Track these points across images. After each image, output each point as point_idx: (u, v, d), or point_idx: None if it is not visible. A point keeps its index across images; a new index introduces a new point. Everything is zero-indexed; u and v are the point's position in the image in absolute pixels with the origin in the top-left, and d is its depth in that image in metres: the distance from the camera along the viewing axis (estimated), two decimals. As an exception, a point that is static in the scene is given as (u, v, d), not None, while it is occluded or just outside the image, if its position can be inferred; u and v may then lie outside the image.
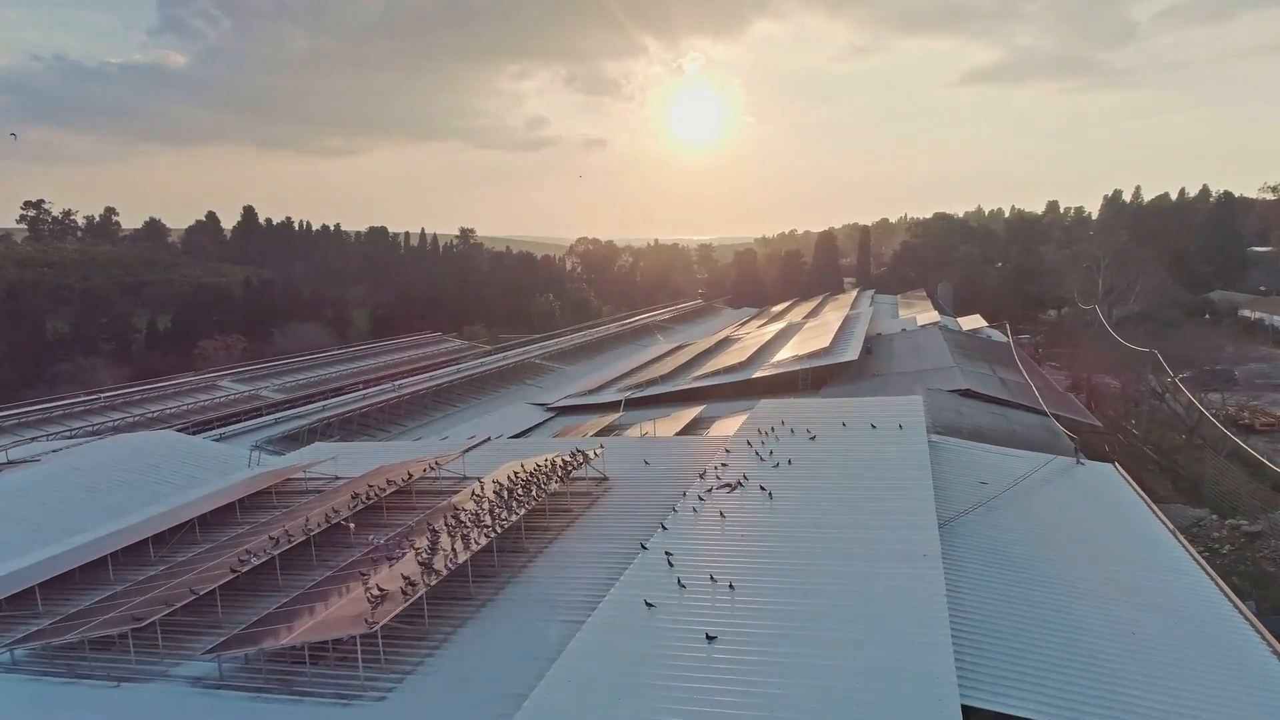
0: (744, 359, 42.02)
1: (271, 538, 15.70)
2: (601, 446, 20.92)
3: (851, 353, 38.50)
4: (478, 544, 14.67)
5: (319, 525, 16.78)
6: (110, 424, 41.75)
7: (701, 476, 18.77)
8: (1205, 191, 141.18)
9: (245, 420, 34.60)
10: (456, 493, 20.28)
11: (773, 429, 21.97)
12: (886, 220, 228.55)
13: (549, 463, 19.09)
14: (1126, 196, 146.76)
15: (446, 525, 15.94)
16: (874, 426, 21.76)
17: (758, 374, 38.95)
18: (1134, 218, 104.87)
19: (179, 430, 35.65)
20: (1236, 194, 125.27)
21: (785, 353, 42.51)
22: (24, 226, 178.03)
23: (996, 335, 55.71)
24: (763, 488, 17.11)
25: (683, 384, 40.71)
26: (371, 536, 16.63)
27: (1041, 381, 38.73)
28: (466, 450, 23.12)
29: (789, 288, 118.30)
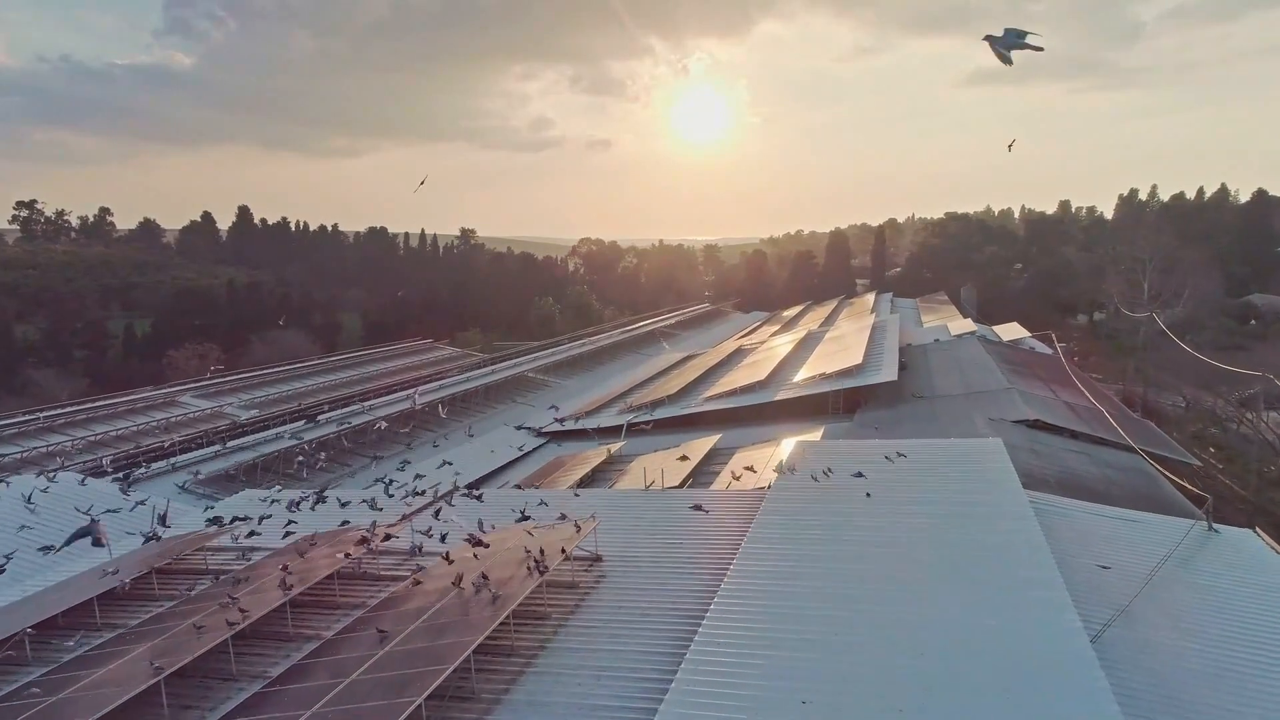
0: (763, 377, 36.85)
1: (113, 685, 10.64)
2: (594, 516, 15.78)
3: (888, 371, 33.32)
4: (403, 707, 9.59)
5: (192, 649, 11.73)
6: (45, 448, 36.85)
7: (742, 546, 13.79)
8: (1224, 190, 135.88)
9: (182, 453, 29.53)
10: (399, 578, 15.23)
11: (816, 485, 16.90)
12: (894, 220, 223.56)
13: (521, 555, 13.96)
14: (1143, 195, 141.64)
15: (362, 656, 10.91)
16: (948, 479, 16.72)
17: (781, 395, 33.79)
18: (1158, 217, 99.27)
19: (109, 462, 30.66)
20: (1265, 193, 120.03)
21: (809, 369, 37.34)
22: (16, 228, 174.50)
23: (1039, 346, 50.46)
24: (813, 581, 12.00)
25: (693, 405, 35.60)
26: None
27: (1111, 405, 33.53)
28: (418, 512, 18.04)
29: (800, 290, 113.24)
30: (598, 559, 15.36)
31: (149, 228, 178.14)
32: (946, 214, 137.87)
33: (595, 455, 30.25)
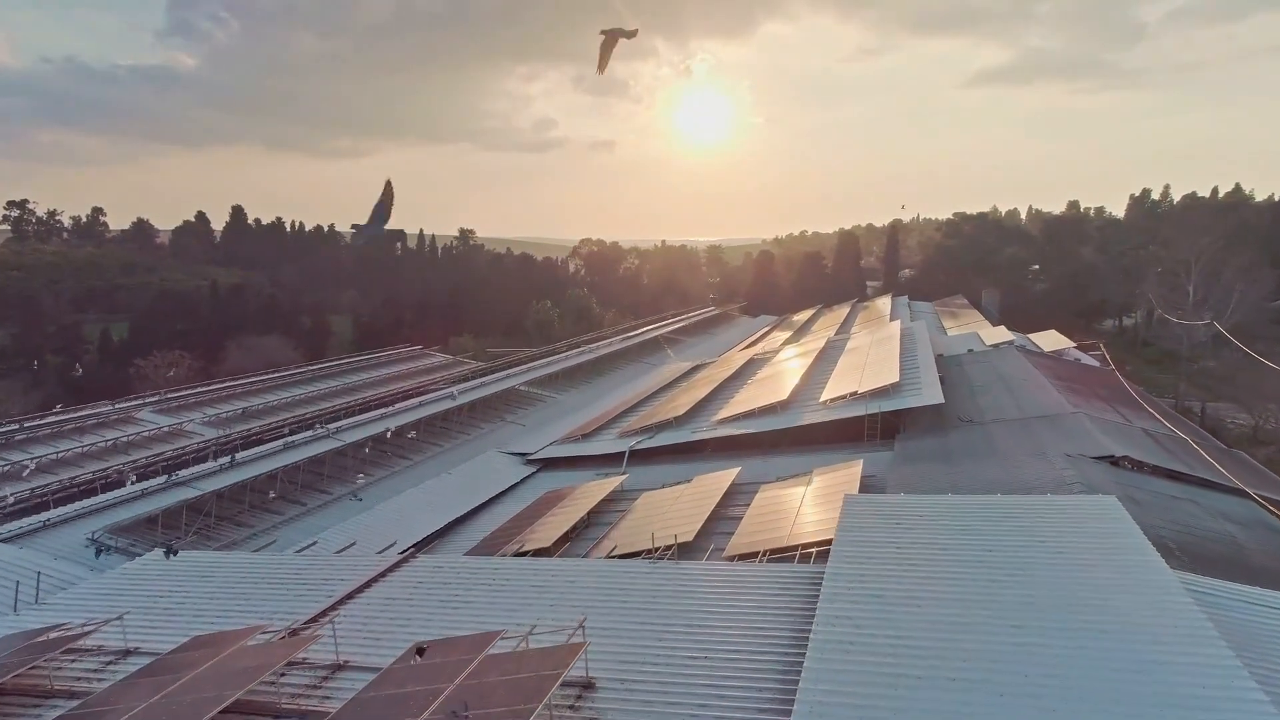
0: (784, 396, 32.36)
1: None
2: (581, 626, 11.32)
3: (931, 391, 28.81)
4: None
5: None
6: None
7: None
8: (1239, 190, 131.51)
9: (106, 489, 25.17)
10: (308, 715, 10.84)
11: (883, 565, 12.52)
12: (899, 220, 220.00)
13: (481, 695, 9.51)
14: (1155, 195, 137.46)
15: None
16: (1066, 559, 12.34)
17: (808, 419, 29.33)
18: (1206, 216, 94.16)
19: (17, 500, 26.25)
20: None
21: (836, 385, 32.86)
22: (7, 228, 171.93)
23: (1084, 358, 45.88)
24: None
25: (705, 429, 31.14)
26: None
27: (1191, 432, 29.07)
28: (351, 598, 13.64)
29: (808, 293, 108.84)
30: (588, 685, 10.92)
31: (142, 228, 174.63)
32: (955, 214, 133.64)
33: (593, 490, 25.87)
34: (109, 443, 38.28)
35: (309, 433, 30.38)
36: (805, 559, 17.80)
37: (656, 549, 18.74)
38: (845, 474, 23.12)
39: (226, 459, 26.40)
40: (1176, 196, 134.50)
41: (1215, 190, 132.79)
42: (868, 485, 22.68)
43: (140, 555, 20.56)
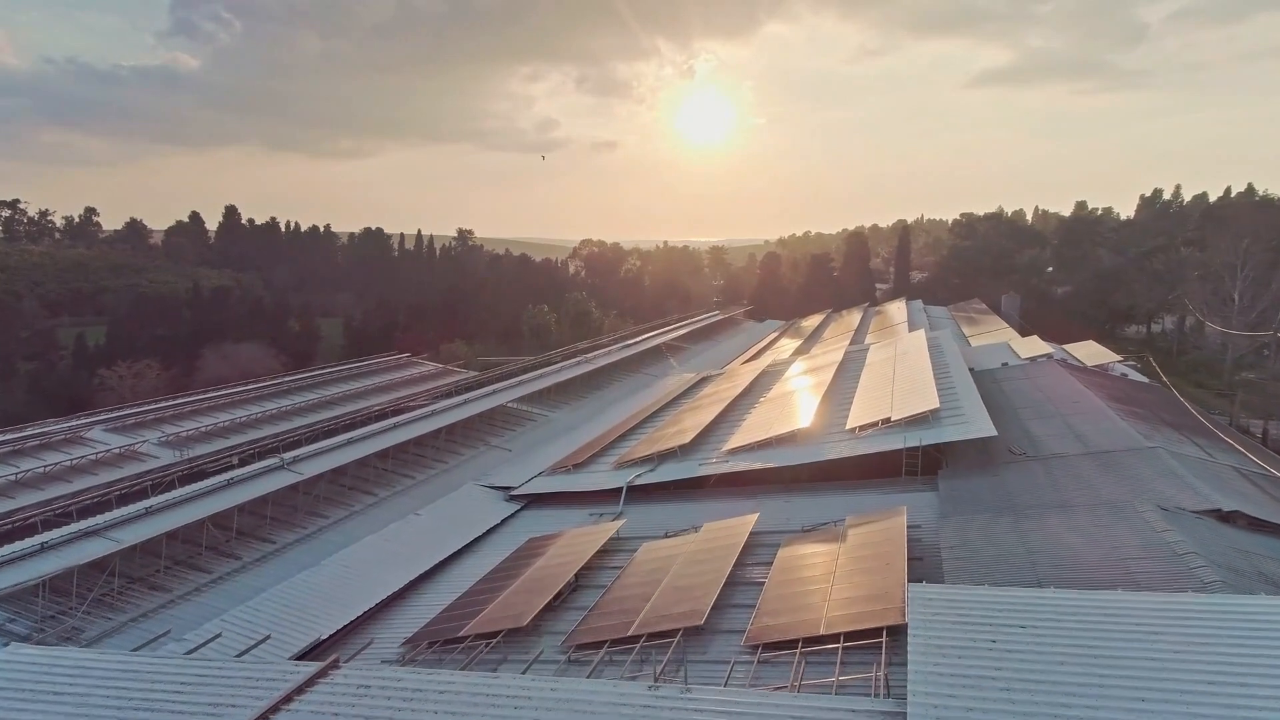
0: (804, 423, 28.25)
1: None
2: None
3: (979, 421, 24.65)
4: None
5: None
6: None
7: None
8: (1250, 190, 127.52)
9: (7, 539, 21.14)
10: None
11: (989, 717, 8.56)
12: (903, 221, 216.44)
13: None
14: (1166, 195, 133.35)
15: None
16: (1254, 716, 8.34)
17: (835, 454, 25.25)
18: (1252, 215, 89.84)
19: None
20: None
21: (864, 409, 28.81)
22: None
23: (1133, 374, 41.74)
24: None
25: (714, 461, 27.10)
26: None
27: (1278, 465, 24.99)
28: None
29: (815, 296, 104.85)
30: None
31: (136, 228, 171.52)
32: (962, 214, 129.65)
33: (583, 540, 21.90)
34: (47, 468, 34.36)
35: (259, 464, 26.35)
36: (850, 650, 13.91)
37: (656, 641, 14.77)
38: (886, 528, 19.13)
39: (157, 500, 22.43)
40: (1187, 197, 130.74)
41: (1229, 190, 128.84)
42: (914, 542, 18.73)
43: (21, 637, 16.69)
